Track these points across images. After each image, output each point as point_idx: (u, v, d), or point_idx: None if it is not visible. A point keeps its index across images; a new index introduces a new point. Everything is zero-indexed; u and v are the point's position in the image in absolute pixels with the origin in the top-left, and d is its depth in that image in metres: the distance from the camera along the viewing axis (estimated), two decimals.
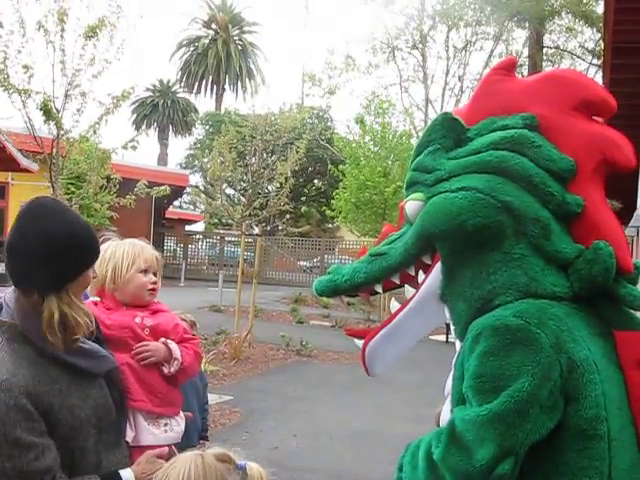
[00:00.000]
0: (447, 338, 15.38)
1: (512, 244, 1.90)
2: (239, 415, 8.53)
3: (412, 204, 2.08)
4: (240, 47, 54.99)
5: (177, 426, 2.71)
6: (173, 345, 2.65)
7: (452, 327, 2.06)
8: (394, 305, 2.20)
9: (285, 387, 10.38)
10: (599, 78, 14.03)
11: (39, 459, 1.87)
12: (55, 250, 1.94)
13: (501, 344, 1.73)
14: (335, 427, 8.17)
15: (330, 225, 36.48)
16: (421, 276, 2.11)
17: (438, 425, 2.05)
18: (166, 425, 2.66)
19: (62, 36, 9.98)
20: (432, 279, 2.05)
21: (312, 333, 15.18)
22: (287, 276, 30.86)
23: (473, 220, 1.89)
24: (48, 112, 9.88)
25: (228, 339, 12.22)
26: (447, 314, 2.06)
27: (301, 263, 31.90)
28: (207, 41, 54.40)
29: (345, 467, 6.67)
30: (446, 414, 1.95)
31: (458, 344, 2.00)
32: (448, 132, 2.10)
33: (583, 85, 2.01)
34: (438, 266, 2.02)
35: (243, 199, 16.86)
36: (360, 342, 2.21)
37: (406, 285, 2.16)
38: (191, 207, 43.52)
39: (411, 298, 2.13)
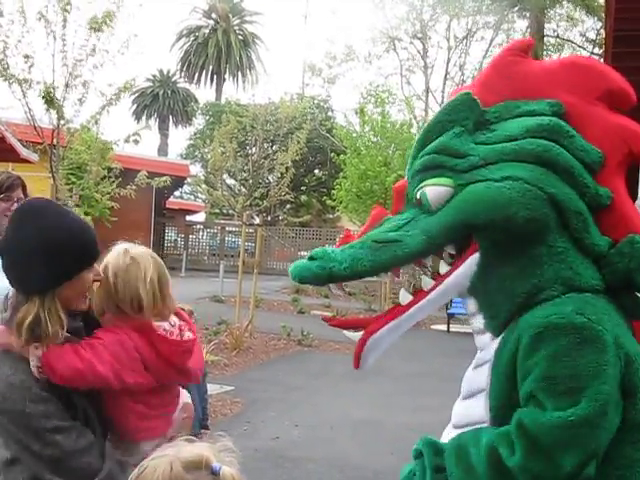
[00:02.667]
0: (448, 328, 15.41)
1: (556, 237, 1.86)
2: (240, 405, 8.55)
3: (435, 189, 1.93)
4: (241, 37, 54.80)
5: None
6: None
7: (479, 320, 1.96)
8: (405, 296, 2.03)
9: (286, 377, 10.40)
10: None
11: (81, 437, 1.92)
12: (39, 253, 1.89)
13: (571, 344, 1.70)
14: (336, 417, 8.17)
15: (331, 215, 36.39)
16: (442, 266, 2.00)
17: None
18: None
19: (64, 26, 9.95)
20: (464, 270, 1.94)
21: (313, 323, 15.15)
22: (288, 266, 30.55)
23: (523, 212, 1.83)
24: (50, 100, 9.85)
25: (229, 329, 12.23)
26: (470, 307, 1.99)
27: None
28: (207, 31, 54.21)
29: (346, 457, 6.66)
30: (473, 409, 1.90)
31: (484, 338, 1.95)
32: (470, 114, 1.99)
33: (608, 75, 1.97)
34: (472, 258, 1.92)
35: (244, 189, 16.84)
36: (352, 334, 2.04)
37: (423, 276, 2.04)
38: (192, 197, 43.47)
39: (431, 289, 1.99)
